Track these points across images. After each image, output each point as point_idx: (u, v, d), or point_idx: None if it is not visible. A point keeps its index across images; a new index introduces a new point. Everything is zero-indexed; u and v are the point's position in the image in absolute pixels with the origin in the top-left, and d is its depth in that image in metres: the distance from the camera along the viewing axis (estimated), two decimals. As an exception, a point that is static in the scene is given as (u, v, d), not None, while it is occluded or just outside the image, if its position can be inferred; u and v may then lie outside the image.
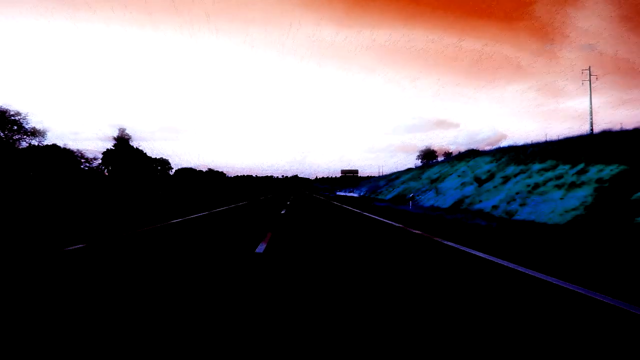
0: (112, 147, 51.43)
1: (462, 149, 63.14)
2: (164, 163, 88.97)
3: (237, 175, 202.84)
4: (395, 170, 55.07)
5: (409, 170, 47.60)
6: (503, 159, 24.14)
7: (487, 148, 30.83)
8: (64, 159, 55.01)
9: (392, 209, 22.22)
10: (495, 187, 20.62)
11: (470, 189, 22.94)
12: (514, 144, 26.13)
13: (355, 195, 45.84)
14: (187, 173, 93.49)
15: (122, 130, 49.79)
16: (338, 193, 58.09)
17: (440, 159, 53.96)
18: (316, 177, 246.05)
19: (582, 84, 49.73)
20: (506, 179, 20.49)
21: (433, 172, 35.19)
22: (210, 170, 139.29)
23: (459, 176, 27.77)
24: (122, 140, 50.56)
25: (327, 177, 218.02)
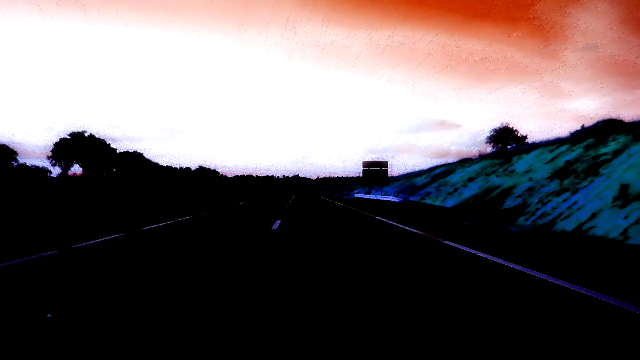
0: None
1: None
2: (139, 158, 74.61)
3: (237, 175, 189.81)
4: (436, 165, 40.56)
5: (466, 161, 33.01)
6: None
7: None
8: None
9: None
10: None
11: None
12: None
13: (396, 200, 30.26)
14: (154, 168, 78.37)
15: None
16: (357, 195, 43.38)
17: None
18: (318, 177, 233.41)
19: None
20: None
21: (547, 160, 20.67)
22: (201, 168, 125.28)
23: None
24: None
25: (329, 178, 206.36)
